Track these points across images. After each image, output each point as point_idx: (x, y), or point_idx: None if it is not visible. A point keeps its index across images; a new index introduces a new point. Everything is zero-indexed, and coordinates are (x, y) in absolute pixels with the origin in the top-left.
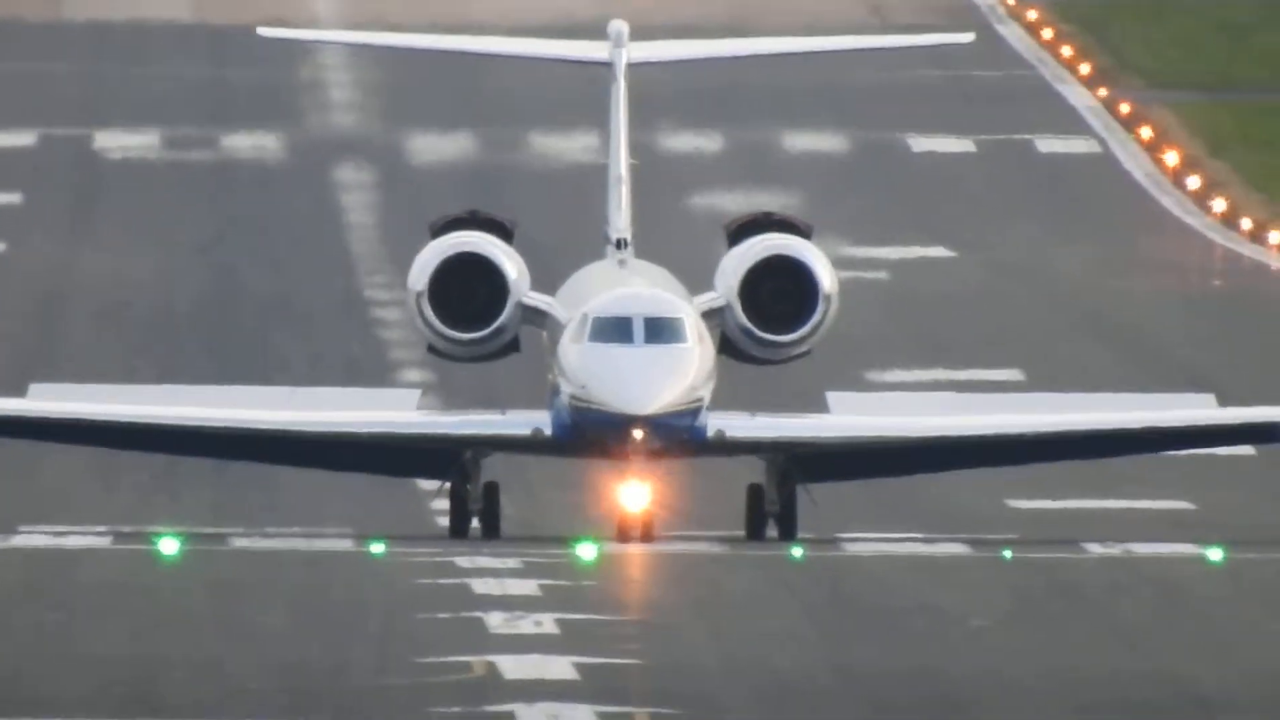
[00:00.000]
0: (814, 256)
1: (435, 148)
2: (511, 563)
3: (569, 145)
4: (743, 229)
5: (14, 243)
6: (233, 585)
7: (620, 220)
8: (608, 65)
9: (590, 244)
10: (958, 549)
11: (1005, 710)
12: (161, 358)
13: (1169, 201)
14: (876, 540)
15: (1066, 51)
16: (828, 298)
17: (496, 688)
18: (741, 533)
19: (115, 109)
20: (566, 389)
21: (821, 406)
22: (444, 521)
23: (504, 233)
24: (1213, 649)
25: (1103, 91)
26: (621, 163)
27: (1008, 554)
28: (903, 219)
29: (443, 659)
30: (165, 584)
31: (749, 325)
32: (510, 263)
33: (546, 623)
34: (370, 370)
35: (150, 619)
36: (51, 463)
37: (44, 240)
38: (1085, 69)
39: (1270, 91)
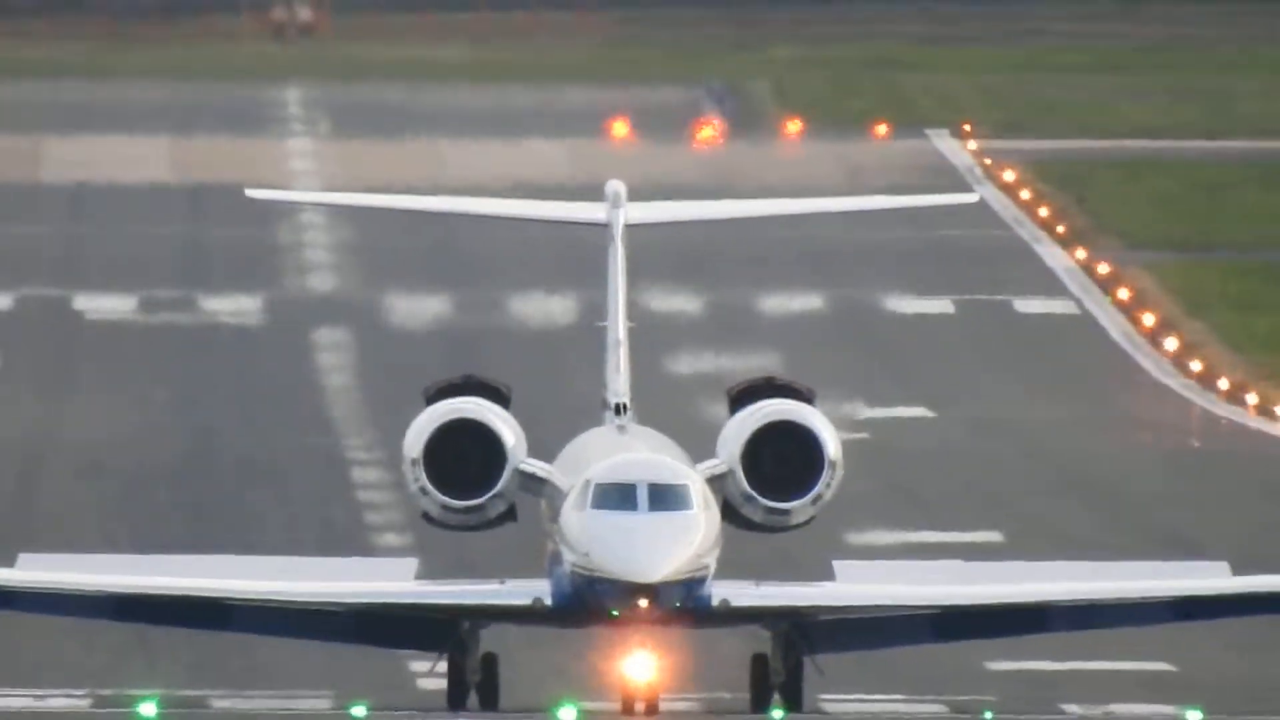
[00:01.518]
0: (818, 422)
1: (413, 309)
2: (464, 713)
3: (548, 308)
4: (745, 393)
5: None
6: None
7: (619, 384)
8: (604, 226)
9: (578, 408)
10: (937, 710)
11: None
12: (138, 519)
13: (1147, 362)
14: (857, 701)
15: (1044, 212)
16: (833, 464)
17: None
18: (746, 702)
19: (94, 270)
20: (569, 557)
21: (827, 574)
22: (424, 684)
23: (499, 398)
24: None
25: (1080, 252)
26: (620, 325)
27: (989, 716)
28: (881, 379)
29: None
30: None
31: (751, 492)
32: (507, 429)
33: None
34: (349, 533)
35: None
36: (29, 621)
37: (22, 401)
38: (1062, 229)
39: (1248, 251)
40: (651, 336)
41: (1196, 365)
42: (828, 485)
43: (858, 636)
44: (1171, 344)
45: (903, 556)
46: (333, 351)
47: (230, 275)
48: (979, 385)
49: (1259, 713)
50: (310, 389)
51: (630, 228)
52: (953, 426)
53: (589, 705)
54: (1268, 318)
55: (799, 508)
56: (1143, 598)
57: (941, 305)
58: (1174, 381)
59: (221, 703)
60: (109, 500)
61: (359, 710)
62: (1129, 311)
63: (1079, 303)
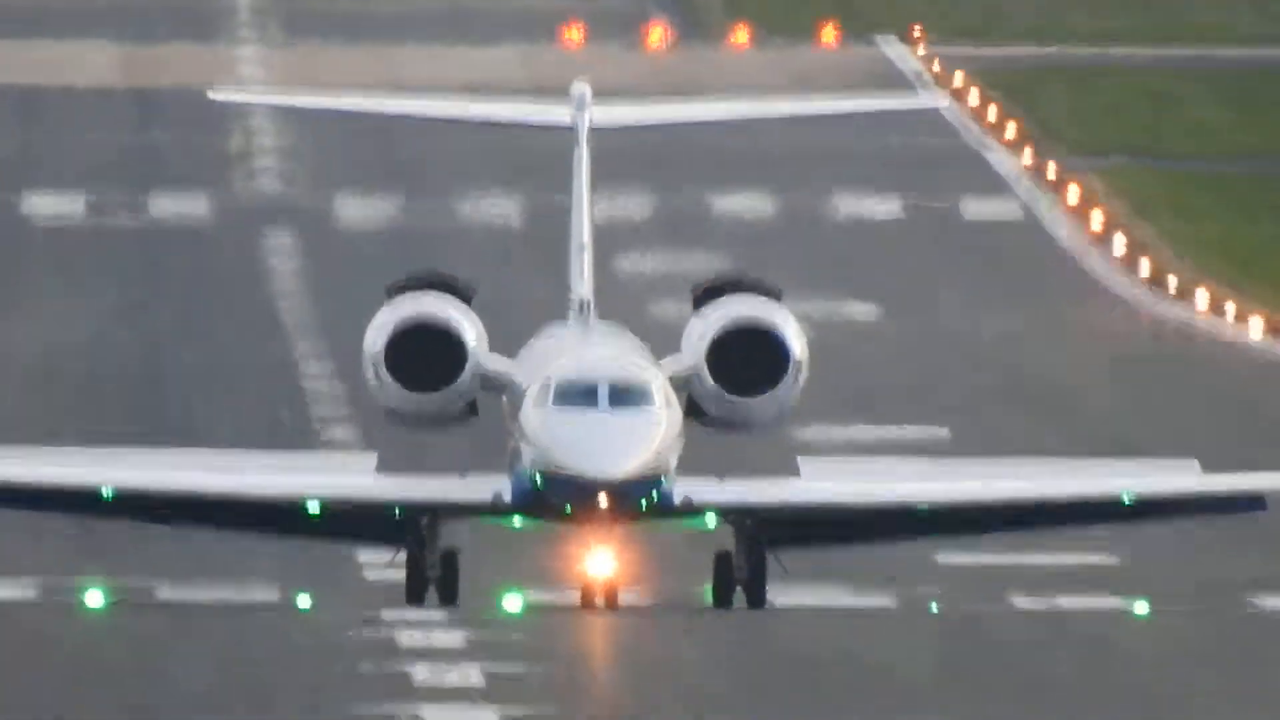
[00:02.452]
0: (784, 320)
1: (362, 211)
2: (437, 615)
3: (494, 209)
4: (710, 291)
5: None
6: (158, 638)
7: (583, 286)
8: (569, 129)
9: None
10: (885, 603)
11: None
12: (89, 423)
13: (1094, 264)
14: (803, 593)
15: (992, 115)
16: (798, 363)
17: None
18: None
19: (42, 173)
20: (530, 454)
21: (793, 471)
22: (370, 575)
23: (462, 295)
24: (1139, 702)
25: (1028, 156)
26: (585, 228)
27: (935, 608)
28: (829, 280)
29: (370, 711)
30: (91, 637)
31: (716, 390)
32: (469, 325)
33: (473, 674)
34: (298, 434)
35: (76, 672)
36: None
37: None
38: (1011, 133)
39: (1195, 160)
40: (603, 238)
41: (1144, 267)
42: (793, 383)
43: (822, 534)
44: (1120, 246)
45: (849, 453)
46: (282, 255)
47: (179, 179)
48: (927, 288)
49: (1205, 606)
50: (259, 292)
51: (595, 130)
52: (901, 328)
53: (549, 599)
54: (1213, 222)
55: (763, 405)
56: (1115, 496)
57: (890, 209)
58: (1121, 283)
59: (167, 593)
60: (59, 405)
61: (304, 600)
62: (1077, 214)
63: (1026, 206)
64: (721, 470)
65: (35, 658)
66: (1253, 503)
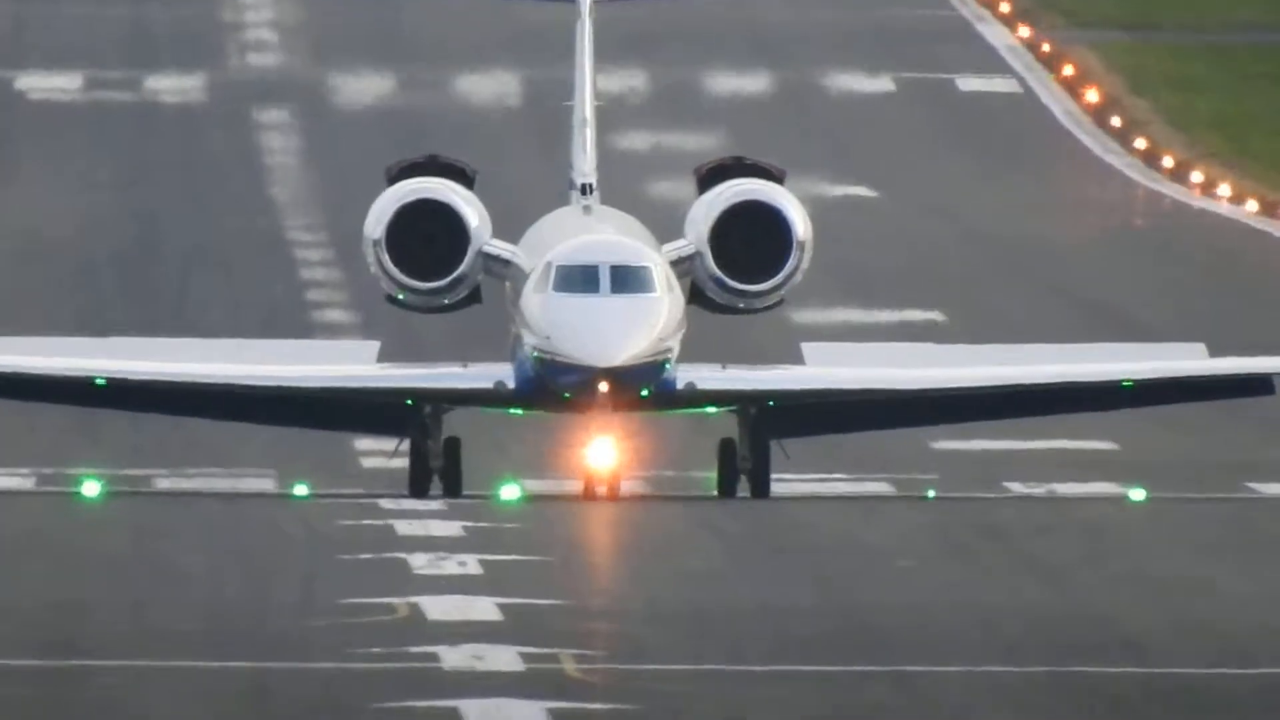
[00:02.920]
0: (787, 202)
1: (358, 89)
2: (435, 504)
3: (491, 87)
4: (713, 174)
5: None
6: (155, 527)
7: (586, 165)
8: (572, 2)
9: (531, 191)
10: (881, 488)
11: (930, 650)
12: (83, 301)
13: (1089, 140)
14: (801, 481)
15: None
16: (801, 245)
17: (419, 629)
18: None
19: (36, 51)
20: (530, 340)
21: (796, 358)
22: (367, 463)
23: (464, 179)
24: (1136, 589)
25: (1023, 31)
26: (588, 105)
27: (931, 494)
28: (822, 158)
29: (365, 600)
30: (88, 526)
31: (720, 274)
32: (471, 210)
33: (470, 564)
34: (292, 313)
35: (72, 561)
36: None
37: None
38: (1005, 8)
39: (1189, 31)
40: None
41: (1140, 143)
42: (796, 266)
43: (827, 421)
44: (1115, 122)
45: (844, 335)
46: (276, 131)
47: (174, 54)
48: (921, 165)
49: (1200, 492)
50: (254, 169)
51: (600, 4)
52: (895, 206)
53: (551, 489)
54: (1210, 97)
55: (767, 289)
56: (1124, 379)
57: (883, 84)
58: (1117, 159)
59: (164, 482)
60: (52, 282)
61: (301, 489)
62: (1072, 90)
63: (1022, 81)
64: (724, 357)
65: (30, 547)
66: (1261, 385)
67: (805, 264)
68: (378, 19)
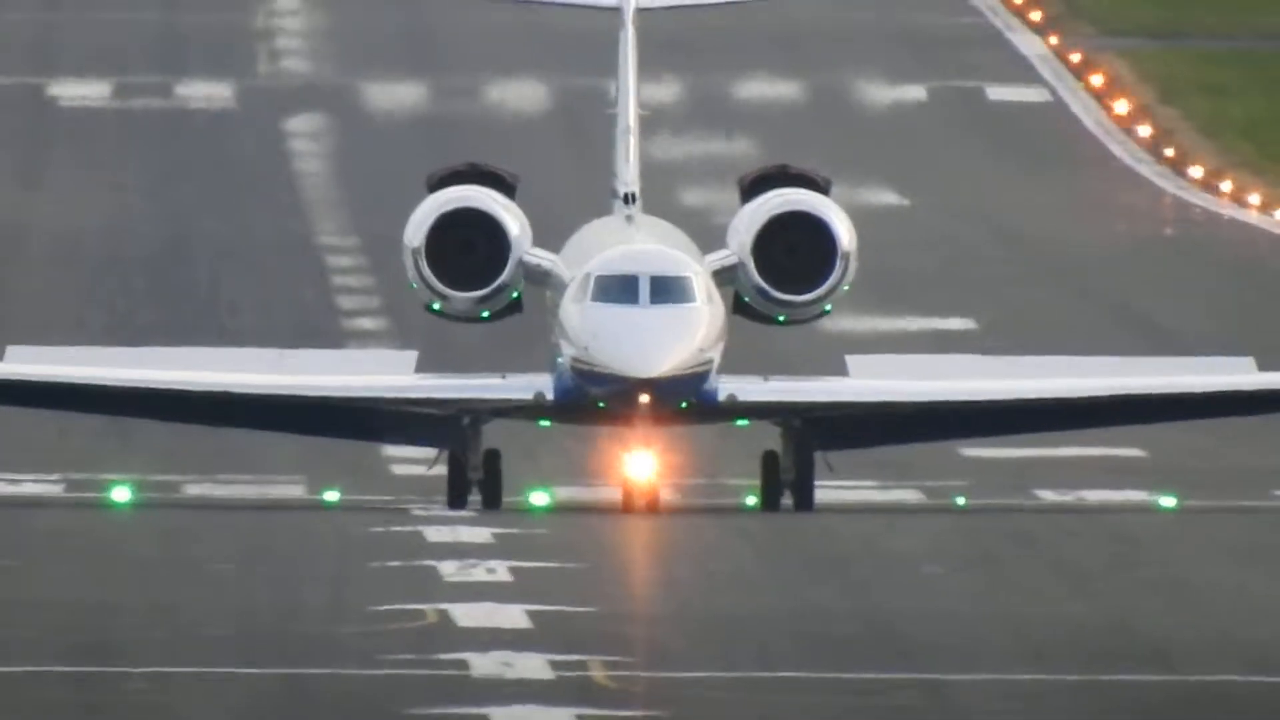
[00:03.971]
0: (832, 212)
1: (389, 95)
2: (465, 511)
3: (523, 94)
4: (757, 183)
5: None
6: (185, 532)
7: (629, 174)
8: (616, 10)
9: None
10: (911, 495)
11: (959, 657)
12: (114, 306)
13: (1119, 150)
14: (830, 487)
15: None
16: (846, 255)
17: (449, 636)
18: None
19: (68, 57)
20: (569, 351)
21: (840, 369)
22: (398, 469)
23: (505, 187)
24: (1166, 597)
25: (1053, 39)
26: (631, 113)
27: (961, 501)
28: (854, 165)
29: (395, 607)
30: (118, 531)
31: (763, 284)
32: (511, 218)
33: (500, 570)
34: (323, 319)
35: (103, 566)
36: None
37: None
38: (1036, 16)
39: (1220, 38)
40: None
41: (1170, 152)
42: (841, 277)
43: (871, 433)
44: (1144, 131)
45: (873, 343)
46: (307, 137)
47: (205, 61)
48: (952, 172)
49: (1230, 499)
50: (284, 175)
51: (642, 11)
52: (927, 213)
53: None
54: (1240, 104)
55: (811, 300)
56: (1172, 393)
57: (915, 92)
58: (1147, 169)
59: (194, 489)
60: (84, 287)
61: (332, 496)
62: (1102, 99)
63: (1052, 90)
64: (766, 368)
65: (62, 552)
66: None
67: (850, 275)
68: (408, 26)
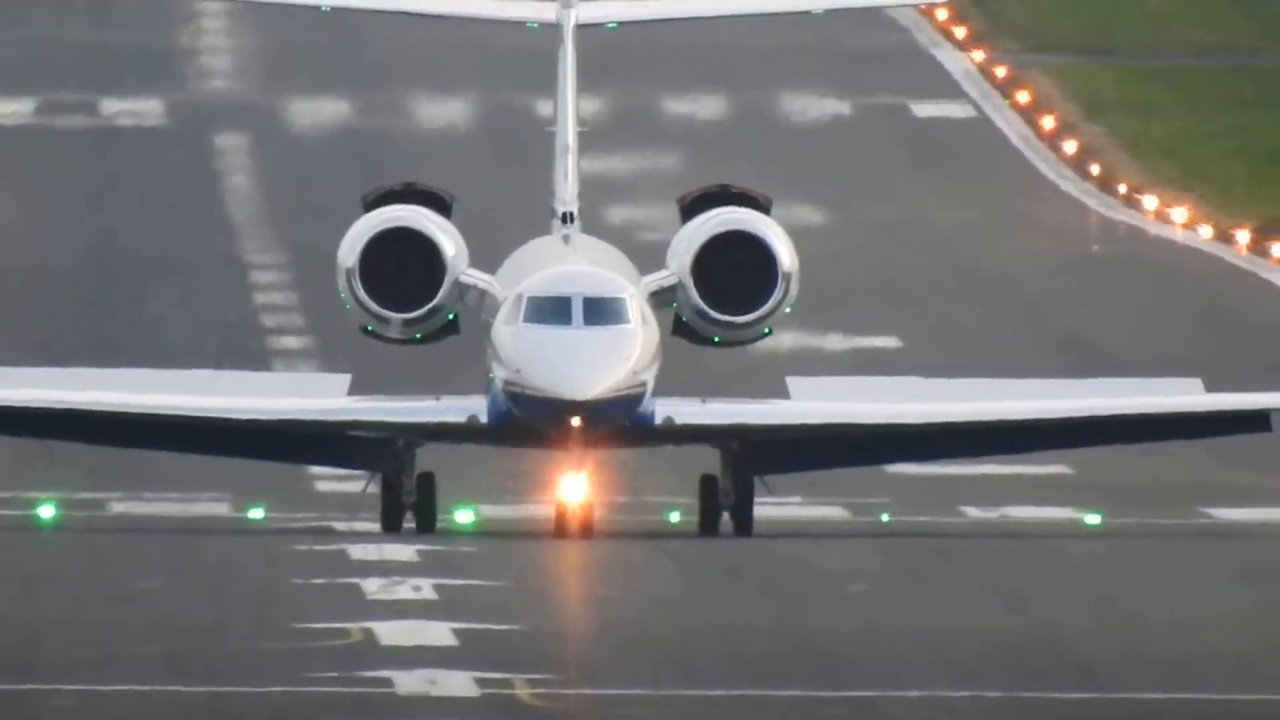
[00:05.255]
0: (772, 232)
1: (315, 112)
2: (399, 535)
3: (449, 111)
4: (697, 202)
5: None
6: (110, 549)
7: (567, 192)
8: (555, 26)
9: (485, 213)
10: (836, 512)
11: (883, 672)
12: (41, 321)
13: (1045, 166)
14: (756, 504)
15: (942, 15)
16: (787, 276)
17: (374, 653)
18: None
19: None
20: (501, 373)
21: (781, 392)
22: (322, 487)
23: (442, 206)
24: (1090, 613)
25: (979, 55)
26: (570, 131)
27: (886, 518)
28: (781, 181)
29: (320, 624)
30: (43, 548)
31: (702, 305)
32: (447, 239)
33: (425, 588)
34: (248, 336)
35: (27, 583)
36: None
37: None
38: (961, 33)
39: (1146, 55)
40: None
41: (1096, 169)
42: (782, 298)
43: (811, 456)
44: (1070, 148)
45: (800, 361)
46: (234, 154)
47: (133, 78)
48: (878, 189)
49: (1157, 517)
50: (211, 192)
51: (581, 28)
52: (852, 230)
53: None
54: (1165, 121)
55: (751, 321)
56: (1124, 415)
57: (839, 108)
58: (1072, 185)
59: (119, 506)
60: (10, 303)
61: (256, 513)
62: (1028, 115)
63: (977, 106)
64: (705, 390)
65: None
66: (1258, 422)
67: (792, 295)
68: (336, 43)
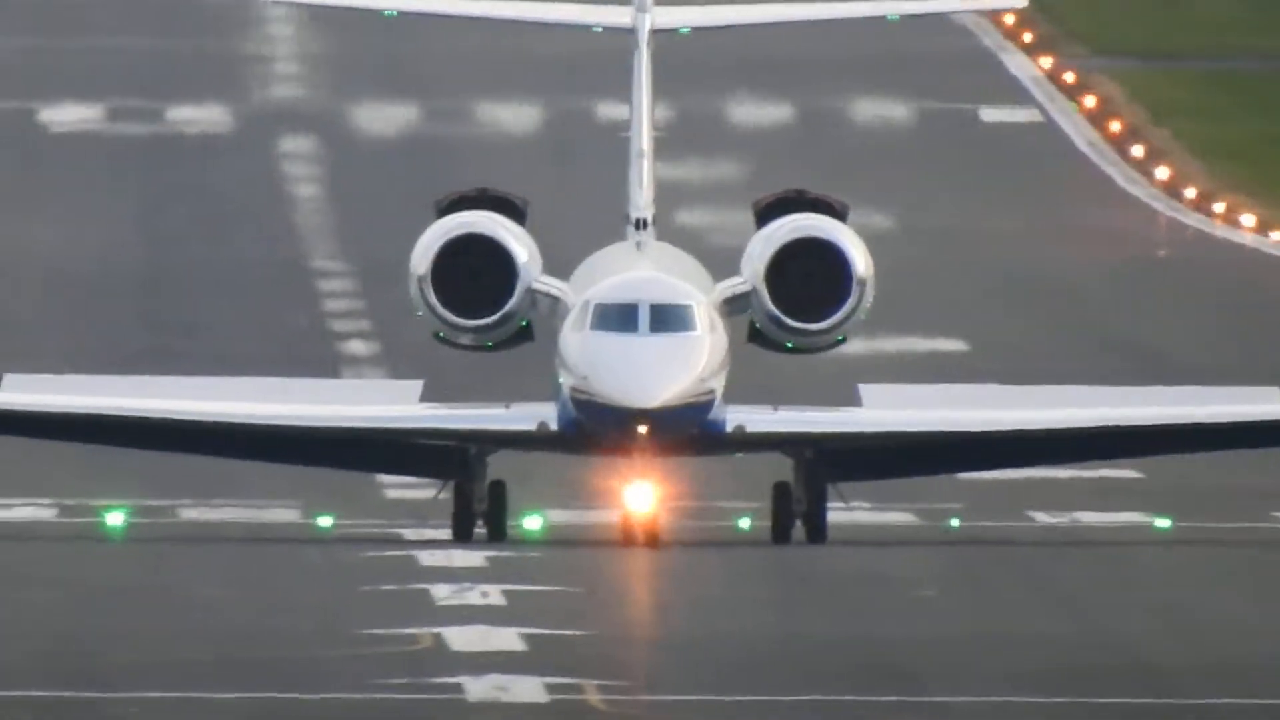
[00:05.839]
0: (847, 238)
1: (380, 118)
2: (470, 545)
3: (516, 117)
4: (772, 208)
5: None
6: (179, 557)
7: (642, 198)
8: (630, 31)
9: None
10: (905, 518)
11: (950, 679)
12: (104, 330)
13: (1112, 171)
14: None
15: (1009, 20)
16: (862, 283)
17: (443, 660)
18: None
19: (59, 82)
20: (568, 381)
21: (850, 399)
22: (391, 494)
23: (515, 212)
24: (1159, 619)
25: (1046, 60)
26: (645, 136)
27: (955, 523)
28: (843, 187)
29: (389, 631)
30: (111, 556)
31: (776, 312)
32: (520, 245)
33: (493, 594)
34: (314, 343)
35: (95, 591)
36: None
37: None
38: (1028, 38)
39: (1212, 60)
40: (621, 144)
41: (1162, 173)
42: (856, 305)
43: (885, 464)
44: (1137, 152)
45: (866, 366)
46: (298, 161)
47: (197, 85)
48: (945, 194)
49: (1226, 521)
50: (276, 199)
51: (657, 33)
52: (919, 235)
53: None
54: (1232, 126)
55: (825, 328)
56: (1206, 424)
57: (906, 113)
58: (1140, 190)
59: (189, 513)
60: (74, 312)
61: (325, 520)
62: (1094, 120)
63: (1044, 111)
64: (777, 397)
65: (54, 577)
66: None
67: (866, 303)
68: (400, 49)
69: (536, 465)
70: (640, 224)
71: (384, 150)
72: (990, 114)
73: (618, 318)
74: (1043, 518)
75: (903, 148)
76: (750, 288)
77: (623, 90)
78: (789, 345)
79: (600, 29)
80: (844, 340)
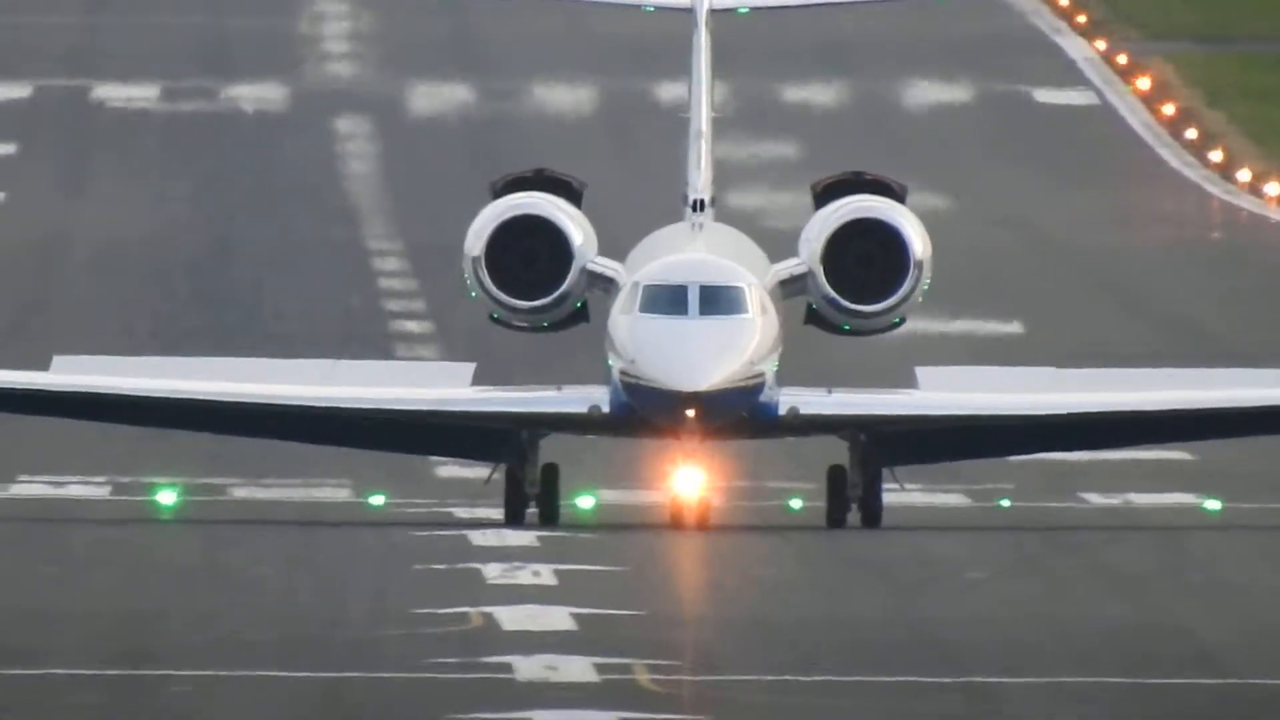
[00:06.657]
0: (905, 220)
1: (435, 98)
2: (522, 528)
3: (570, 98)
4: (831, 189)
5: (10, 194)
6: (230, 536)
7: (700, 180)
8: (688, 11)
9: (607, 202)
10: (956, 499)
11: (1001, 661)
12: (159, 311)
13: (1166, 153)
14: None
15: (1063, 2)
16: (920, 264)
17: (493, 639)
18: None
19: (113, 60)
20: (617, 363)
21: (910, 382)
22: (443, 473)
23: (571, 194)
24: (1210, 599)
25: (1100, 43)
26: (704, 117)
27: (1006, 503)
28: (898, 169)
29: (440, 610)
30: (162, 535)
31: (833, 293)
32: (575, 226)
33: (544, 573)
34: (369, 323)
35: (146, 570)
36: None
37: (40, 191)
38: (1082, 19)
39: (1266, 42)
40: (680, 124)
41: (1217, 156)
42: (914, 287)
43: (942, 447)
44: (1191, 135)
45: (920, 348)
46: (354, 140)
47: (252, 64)
48: (999, 176)
49: (1277, 501)
50: (331, 178)
51: (715, 14)
52: (973, 216)
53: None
54: None
55: (881, 310)
56: (1247, 407)
57: (960, 95)
58: (1194, 172)
59: (240, 492)
60: (129, 292)
61: (377, 499)
62: (1148, 102)
63: (1099, 93)
64: (834, 380)
65: (106, 555)
66: None
67: (924, 285)
68: (455, 29)
69: (588, 447)
70: (698, 205)
71: (440, 131)
72: (1045, 95)
73: (667, 299)
74: (1094, 498)
75: (959, 129)
76: (807, 269)
77: (681, 71)
78: (845, 327)
79: (656, 9)
80: (901, 322)
